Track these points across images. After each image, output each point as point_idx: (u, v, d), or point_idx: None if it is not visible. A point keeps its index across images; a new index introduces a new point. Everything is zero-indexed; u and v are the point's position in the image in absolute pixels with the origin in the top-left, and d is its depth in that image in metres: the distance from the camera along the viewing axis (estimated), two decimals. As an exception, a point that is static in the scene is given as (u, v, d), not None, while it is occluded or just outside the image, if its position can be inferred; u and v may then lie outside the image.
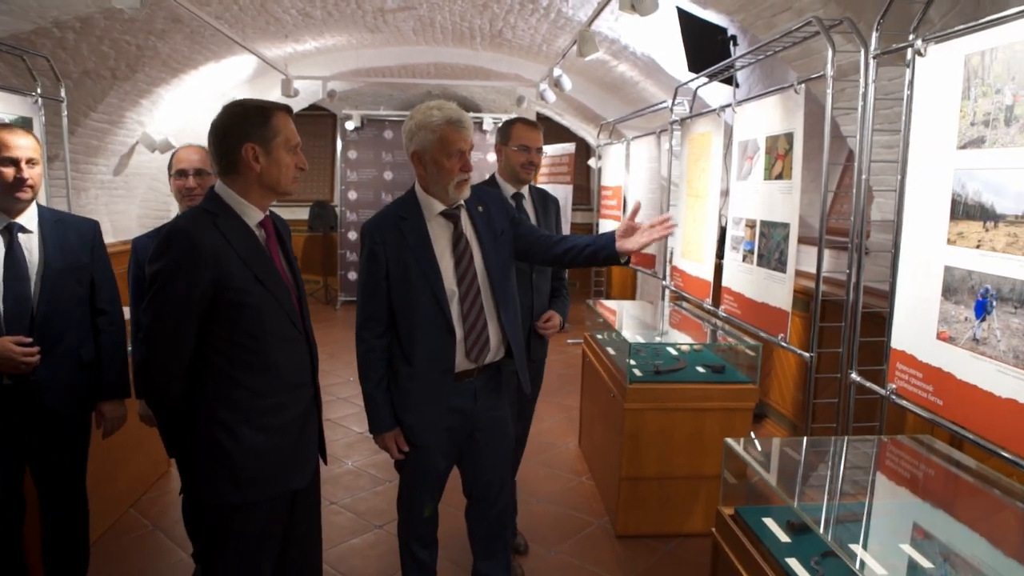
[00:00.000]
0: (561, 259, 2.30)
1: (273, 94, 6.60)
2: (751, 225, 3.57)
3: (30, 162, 2.22)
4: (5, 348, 2.12)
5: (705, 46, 4.40)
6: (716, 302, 4.06)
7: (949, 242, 2.11)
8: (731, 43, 4.32)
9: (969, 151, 2.03)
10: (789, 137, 3.20)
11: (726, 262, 3.89)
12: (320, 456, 2.05)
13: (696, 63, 4.47)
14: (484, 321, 2.25)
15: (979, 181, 1.99)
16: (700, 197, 4.35)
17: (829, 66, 2.83)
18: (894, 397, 2.37)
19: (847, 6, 2.93)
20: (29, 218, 2.28)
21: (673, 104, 4.94)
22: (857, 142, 2.69)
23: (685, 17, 4.35)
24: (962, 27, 2.07)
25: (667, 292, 5.10)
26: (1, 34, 3.80)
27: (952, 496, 2.10)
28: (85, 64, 4.49)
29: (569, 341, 7.35)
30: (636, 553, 3.20)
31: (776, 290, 3.29)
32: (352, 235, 9.19)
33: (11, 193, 2.19)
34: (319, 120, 10.22)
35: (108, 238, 3.19)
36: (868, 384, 2.55)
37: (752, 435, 3.49)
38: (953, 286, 2.09)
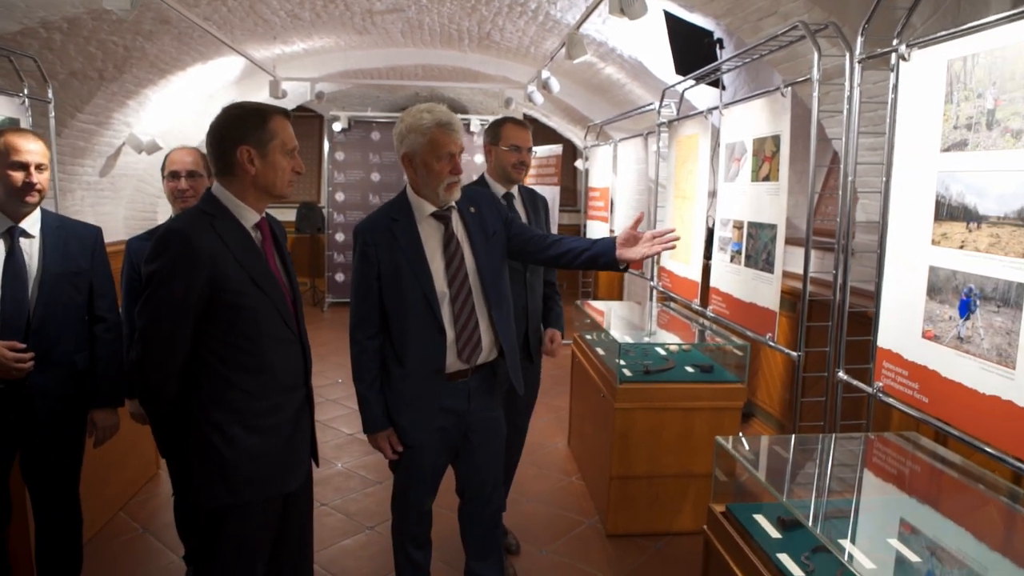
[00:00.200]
0: (557, 260, 2.31)
1: (261, 95, 6.58)
2: (739, 226, 3.61)
3: (39, 167, 2.22)
4: None
5: (692, 49, 4.45)
6: (704, 302, 4.10)
7: (933, 243, 2.15)
8: (718, 46, 4.36)
9: (952, 154, 2.08)
10: (776, 139, 3.24)
11: (714, 263, 3.93)
12: (312, 458, 2.06)
13: (683, 66, 4.51)
14: (476, 322, 2.26)
15: (962, 183, 2.03)
16: (688, 199, 4.39)
17: (815, 70, 2.87)
18: (880, 395, 2.41)
19: (832, 11, 2.97)
20: (32, 223, 2.27)
21: (660, 106, 4.98)
22: (843, 144, 2.73)
23: (672, 20, 4.39)
24: (945, 33, 2.11)
25: (654, 293, 5.14)
26: (-13, 35, 3.78)
27: (938, 491, 2.14)
28: (72, 65, 4.46)
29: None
30: (626, 552, 3.23)
31: (764, 290, 3.33)
32: (340, 236, 9.17)
33: (19, 197, 2.19)
34: (306, 122, 10.19)
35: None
36: (855, 382, 2.59)
37: (740, 434, 3.53)
38: (938, 286, 2.14)
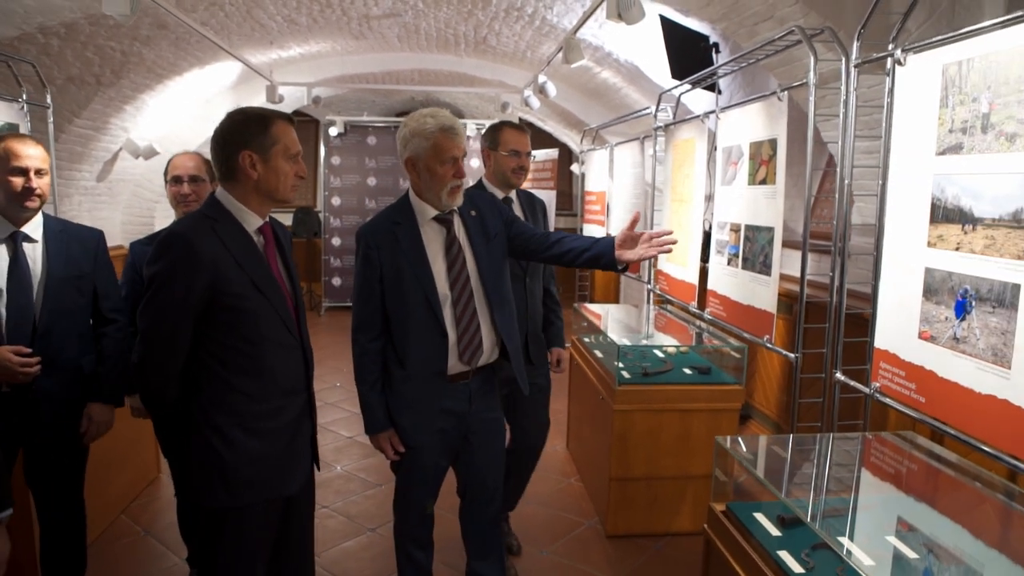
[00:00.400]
0: (560, 259, 2.32)
1: (257, 100, 6.59)
2: (736, 229, 3.64)
3: (39, 172, 2.23)
4: (3, 358, 2.12)
5: (688, 53, 4.47)
6: (701, 305, 4.13)
7: (929, 245, 2.18)
8: (714, 51, 4.39)
9: (948, 157, 2.10)
10: (773, 143, 3.27)
11: (711, 266, 3.96)
12: (313, 462, 2.07)
13: (679, 70, 4.54)
14: (477, 324, 2.28)
15: (957, 186, 2.06)
16: (684, 202, 4.42)
17: (811, 74, 2.89)
18: (878, 395, 2.43)
19: (828, 15, 3.00)
20: (34, 227, 2.28)
21: (657, 110, 5.01)
22: (839, 148, 2.76)
23: (668, 25, 4.42)
24: (940, 37, 2.14)
25: (651, 295, 5.17)
26: (-14, 40, 3.79)
27: (935, 490, 2.17)
28: (70, 70, 4.47)
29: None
30: (626, 552, 3.25)
31: (761, 293, 3.36)
32: (336, 241, 9.17)
33: (19, 202, 2.20)
34: (302, 126, 10.14)
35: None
36: (852, 383, 2.61)
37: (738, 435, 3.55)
38: (934, 287, 2.16)
